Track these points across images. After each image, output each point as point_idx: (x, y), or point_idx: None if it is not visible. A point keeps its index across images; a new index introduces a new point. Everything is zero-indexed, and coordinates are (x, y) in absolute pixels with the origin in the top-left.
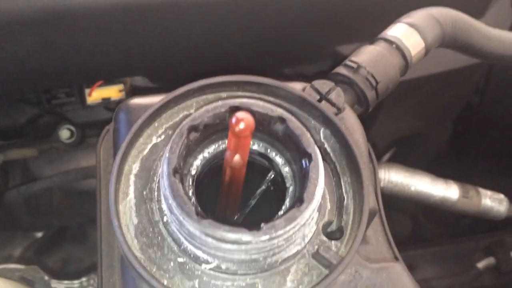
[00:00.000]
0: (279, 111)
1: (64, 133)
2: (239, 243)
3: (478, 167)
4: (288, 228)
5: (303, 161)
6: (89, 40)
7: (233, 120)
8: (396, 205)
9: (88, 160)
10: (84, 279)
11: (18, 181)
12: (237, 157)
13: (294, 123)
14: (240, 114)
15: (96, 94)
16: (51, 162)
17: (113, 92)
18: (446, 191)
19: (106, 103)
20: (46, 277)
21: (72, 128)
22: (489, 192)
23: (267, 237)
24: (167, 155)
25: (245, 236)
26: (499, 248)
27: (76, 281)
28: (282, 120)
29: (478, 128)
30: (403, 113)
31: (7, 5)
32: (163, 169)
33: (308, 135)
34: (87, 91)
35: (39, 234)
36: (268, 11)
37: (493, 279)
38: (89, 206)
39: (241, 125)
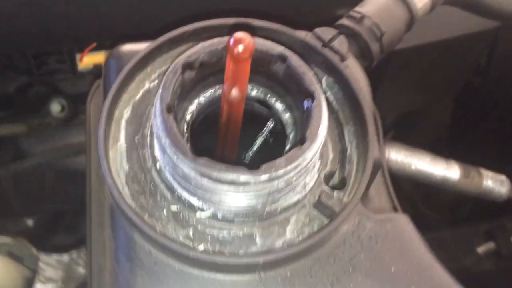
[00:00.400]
0: (280, 49)
1: (55, 107)
2: (237, 183)
3: (480, 151)
4: (289, 168)
5: (306, 103)
6: None
7: (231, 41)
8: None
9: (81, 138)
10: (73, 252)
11: (9, 160)
12: (235, 91)
13: (296, 61)
14: (238, 34)
15: (88, 60)
16: (42, 140)
17: (104, 57)
18: (447, 171)
19: (98, 69)
20: (35, 251)
21: (63, 101)
22: (490, 173)
23: (266, 176)
24: (160, 91)
25: (243, 175)
26: (499, 232)
27: (65, 254)
28: (283, 58)
29: (480, 110)
30: (404, 86)
31: None
32: (156, 107)
33: (311, 73)
34: (78, 56)
35: (30, 222)
36: None
37: (493, 264)
38: (82, 188)
39: (240, 47)
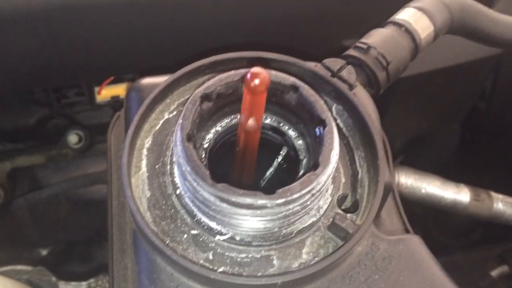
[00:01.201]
0: (292, 79)
1: (73, 138)
2: (254, 207)
3: (488, 175)
4: (303, 191)
5: (317, 129)
6: (100, 33)
7: (248, 75)
8: (406, 216)
9: (96, 169)
10: (92, 280)
11: (25, 190)
12: (251, 121)
13: (307, 91)
14: (255, 69)
15: (106, 92)
16: (59, 170)
17: (122, 90)
18: (457, 194)
19: (115, 101)
20: (54, 279)
21: (81, 133)
22: (500, 196)
23: (282, 200)
24: (180, 121)
25: (260, 199)
26: None
27: (84, 283)
28: (295, 88)
29: (486, 134)
30: (411, 111)
31: None
32: (177, 136)
33: (322, 102)
34: (96, 90)
35: (45, 252)
36: (275, 4)
37: (508, 287)
38: (96, 218)
39: (257, 81)
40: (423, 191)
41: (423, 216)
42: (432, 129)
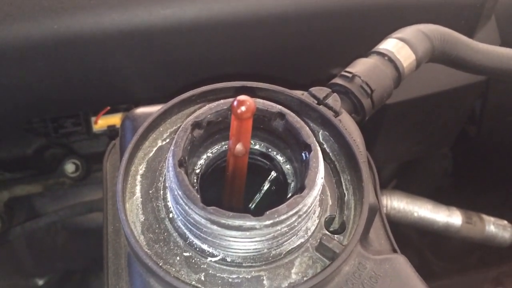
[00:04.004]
0: (278, 107)
1: (70, 167)
2: (244, 229)
3: (481, 199)
4: (290, 213)
5: (303, 154)
6: (97, 65)
7: (235, 103)
8: (401, 240)
9: (93, 197)
10: None
11: (23, 220)
12: (239, 146)
13: (293, 118)
14: (241, 97)
15: (102, 122)
16: (56, 199)
17: (118, 119)
18: (449, 217)
19: (111, 130)
20: None
21: (77, 162)
22: (492, 219)
23: (270, 221)
24: (172, 148)
25: (249, 221)
26: (508, 278)
27: None
28: (281, 115)
29: (478, 159)
30: (401, 136)
31: (20, 32)
32: (169, 162)
33: (307, 128)
34: (93, 119)
35: (41, 282)
36: (265, 38)
37: None
38: (93, 246)
39: (243, 108)
40: (415, 214)
41: (418, 241)
42: (423, 154)
